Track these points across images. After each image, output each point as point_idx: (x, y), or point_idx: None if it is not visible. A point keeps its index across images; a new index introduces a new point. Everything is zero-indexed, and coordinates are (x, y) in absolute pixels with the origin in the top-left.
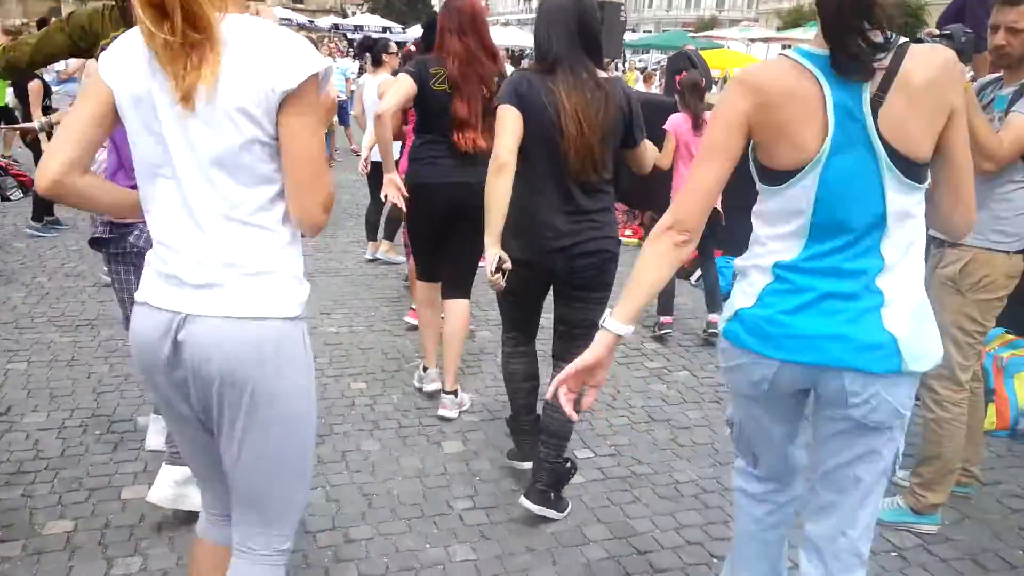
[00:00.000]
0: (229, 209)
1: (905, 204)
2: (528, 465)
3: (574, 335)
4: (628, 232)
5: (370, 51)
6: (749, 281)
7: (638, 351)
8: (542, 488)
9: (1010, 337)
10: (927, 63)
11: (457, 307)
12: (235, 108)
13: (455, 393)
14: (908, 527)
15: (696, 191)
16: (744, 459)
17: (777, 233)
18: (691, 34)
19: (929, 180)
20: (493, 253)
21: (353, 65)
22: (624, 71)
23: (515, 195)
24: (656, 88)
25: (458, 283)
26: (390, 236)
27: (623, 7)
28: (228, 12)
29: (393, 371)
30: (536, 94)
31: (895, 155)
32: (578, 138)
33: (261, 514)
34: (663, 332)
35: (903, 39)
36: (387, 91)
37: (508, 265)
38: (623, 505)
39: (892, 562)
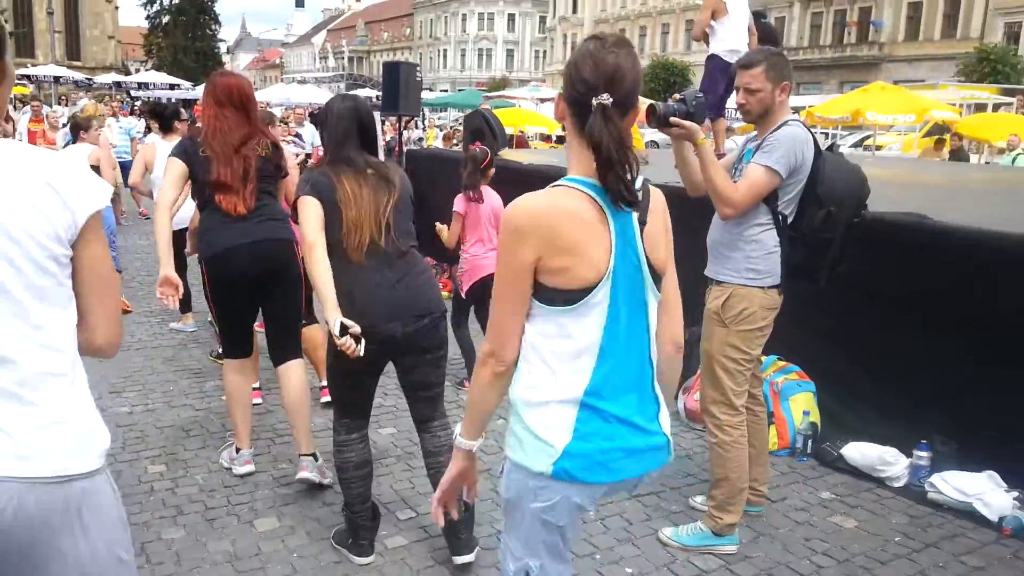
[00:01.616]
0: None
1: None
2: (367, 560)
3: (435, 395)
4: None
5: (160, 117)
6: (552, 416)
7: (455, 403)
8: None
9: (782, 363)
10: (658, 196)
11: (291, 371)
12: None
13: (314, 456)
14: (710, 550)
15: (502, 327)
16: None
17: (571, 361)
18: (485, 94)
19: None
20: (334, 318)
21: (139, 124)
22: (424, 128)
23: (340, 274)
24: (456, 145)
25: (285, 343)
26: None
27: (419, 67)
28: None
29: (196, 449)
30: (330, 184)
31: (652, 271)
32: (368, 217)
33: None
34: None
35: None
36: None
37: (356, 329)
38: (447, 565)
39: None
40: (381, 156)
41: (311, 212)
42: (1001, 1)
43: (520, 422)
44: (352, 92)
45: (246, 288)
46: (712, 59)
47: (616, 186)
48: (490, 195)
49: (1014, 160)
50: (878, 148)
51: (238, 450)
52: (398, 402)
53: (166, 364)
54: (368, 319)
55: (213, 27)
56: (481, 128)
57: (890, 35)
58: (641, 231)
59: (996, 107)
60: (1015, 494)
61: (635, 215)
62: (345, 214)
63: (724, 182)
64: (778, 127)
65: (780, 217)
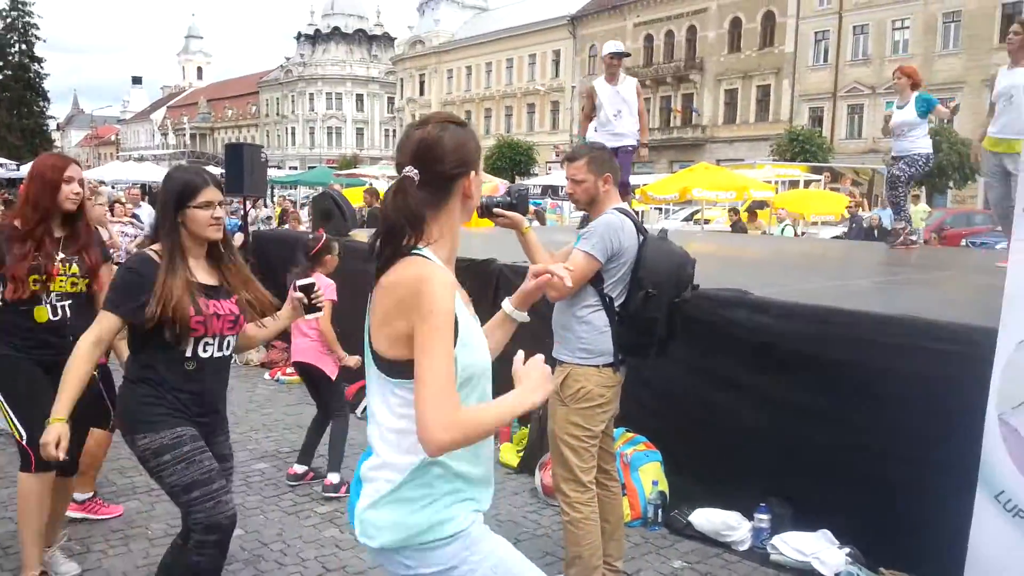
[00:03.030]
0: None
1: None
2: None
3: (228, 469)
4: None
5: None
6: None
7: (307, 496)
8: None
9: (630, 435)
10: (402, 275)
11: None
12: None
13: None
14: None
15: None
16: None
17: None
18: (336, 171)
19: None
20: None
21: None
22: (274, 206)
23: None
24: (305, 225)
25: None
26: None
27: (263, 148)
28: None
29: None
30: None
31: (378, 357)
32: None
33: None
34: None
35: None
36: None
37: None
38: None
39: None
40: None
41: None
42: (805, 89)
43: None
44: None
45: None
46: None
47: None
48: (325, 285)
49: (782, 231)
50: (707, 222)
51: None
52: (246, 499)
53: None
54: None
55: (41, 103)
56: (330, 209)
57: (711, 119)
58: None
59: (807, 183)
60: (847, 550)
61: None
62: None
63: None
64: (602, 216)
65: (607, 299)
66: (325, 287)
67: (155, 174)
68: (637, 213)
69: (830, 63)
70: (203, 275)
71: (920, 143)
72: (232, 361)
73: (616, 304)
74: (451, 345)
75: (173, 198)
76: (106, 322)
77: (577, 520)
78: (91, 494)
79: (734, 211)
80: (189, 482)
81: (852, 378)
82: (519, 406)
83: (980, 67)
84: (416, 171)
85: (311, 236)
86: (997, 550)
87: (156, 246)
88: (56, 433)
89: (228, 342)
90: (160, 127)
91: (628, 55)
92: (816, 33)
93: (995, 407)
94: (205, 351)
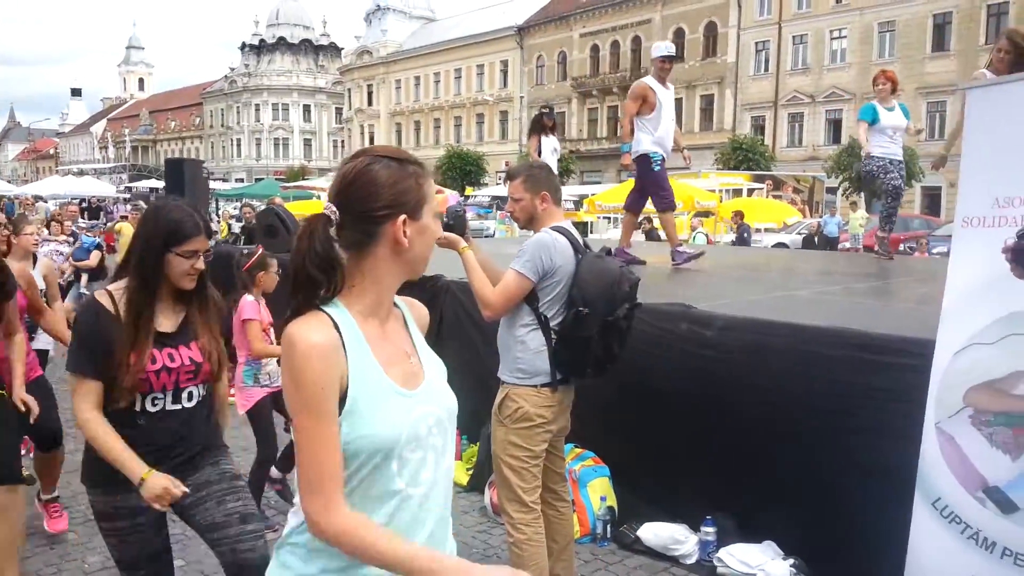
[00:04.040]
0: None
1: None
2: None
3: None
4: None
5: None
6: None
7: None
8: None
9: (579, 450)
10: (292, 338)
11: None
12: None
13: None
14: None
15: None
16: None
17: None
18: (283, 183)
19: None
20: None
21: None
22: (218, 221)
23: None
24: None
25: None
26: None
27: (204, 163)
28: None
29: None
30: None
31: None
32: None
33: None
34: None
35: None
36: None
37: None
38: None
39: None
40: None
41: None
42: (747, 98)
43: None
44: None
45: None
46: (643, 159)
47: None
48: (242, 305)
49: (694, 239)
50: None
51: None
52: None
53: None
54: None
55: None
56: (274, 225)
57: None
58: None
59: (750, 191)
60: (791, 561)
61: None
62: None
63: (480, 285)
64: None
65: (543, 318)
66: (244, 306)
67: (95, 188)
68: (584, 224)
69: (771, 72)
70: (163, 319)
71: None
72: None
73: (552, 323)
74: (322, 424)
75: (161, 239)
76: (90, 389)
77: (521, 541)
78: (56, 495)
79: (648, 220)
80: (126, 559)
81: (794, 390)
82: (421, 569)
83: (914, 75)
84: (335, 210)
85: (244, 251)
86: (935, 556)
87: (114, 286)
88: (159, 485)
89: (190, 393)
90: (100, 140)
91: (680, 59)
92: (757, 43)
93: (932, 416)
94: (154, 405)
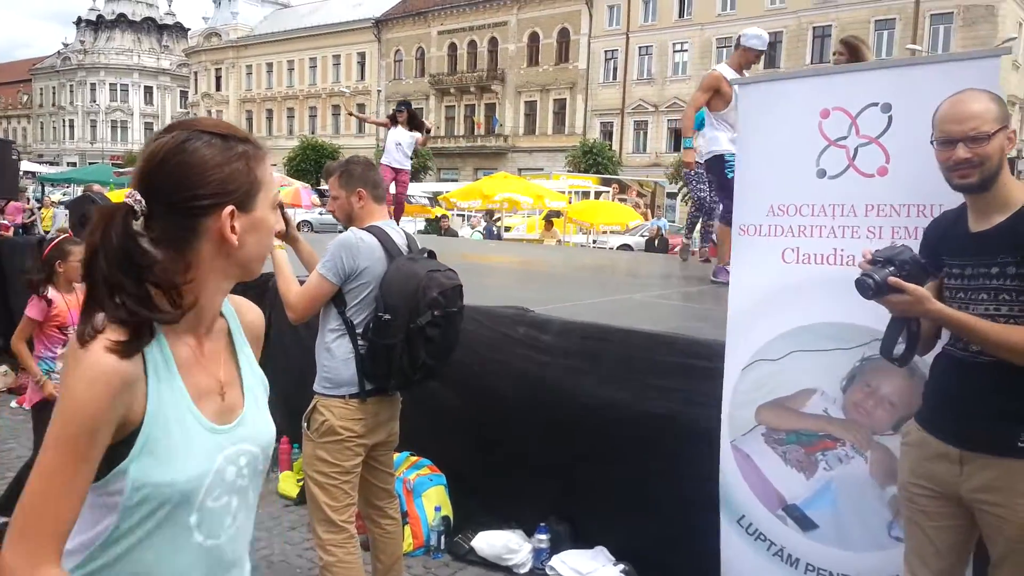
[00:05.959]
0: None
1: None
2: None
3: None
4: None
5: None
6: None
7: None
8: None
9: (414, 459)
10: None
11: None
12: None
13: None
14: None
15: None
16: None
17: None
18: (118, 168)
19: None
20: None
21: None
22: (39, 207)
23: None
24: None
25: None
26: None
27: (14, 144)
28: None
29: None
30: None
31: None
32: None
33: None
34: None
35: None
36: None
37: None
38: None
39: None
40: None
41: None
42: (596, 104)
43: None
44: None
45: None
46: (717, 160)
47: None
48: (31, 299)
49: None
50: (507, 229)
51: None
52: None
53: None
54: None
55: None
56: (88, 214)
57: (513, 128)
58: None
59: (598, 194)
60: (622, 567)
61: None
62: None
63: (285, 287)
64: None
65: (349, 323)
66: (31, 301)
67: None
68: (439, 220)
69: (618, 81)
70: None
71: None
72: None
73: (359, 330)
74: (72, 468)
75: None
76: None
77: (331, 564)
78: None
79: (550, 221)
80: None
81: (625, 396)
82: None
83: None
84: (140, 198)
85: (44, 238)
86: (747, 573)
87: None
88: None
89: None
90: None
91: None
92: (606, 52)
93: (727, 434)
94: None
